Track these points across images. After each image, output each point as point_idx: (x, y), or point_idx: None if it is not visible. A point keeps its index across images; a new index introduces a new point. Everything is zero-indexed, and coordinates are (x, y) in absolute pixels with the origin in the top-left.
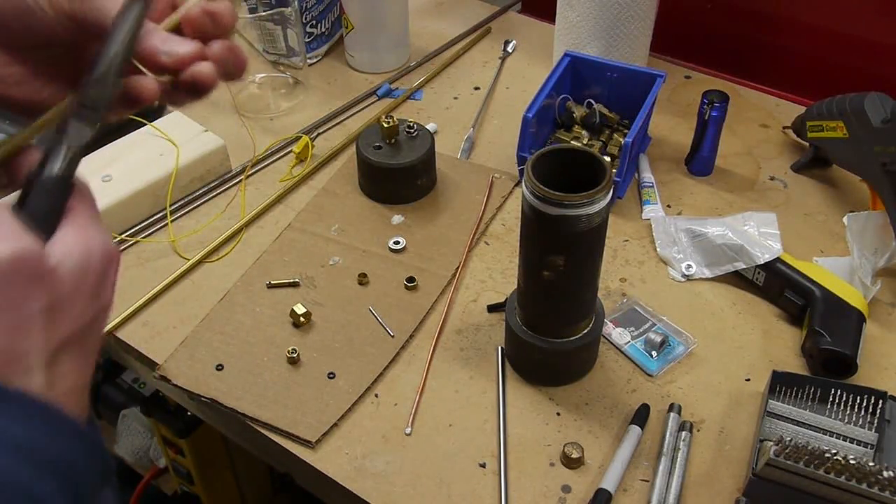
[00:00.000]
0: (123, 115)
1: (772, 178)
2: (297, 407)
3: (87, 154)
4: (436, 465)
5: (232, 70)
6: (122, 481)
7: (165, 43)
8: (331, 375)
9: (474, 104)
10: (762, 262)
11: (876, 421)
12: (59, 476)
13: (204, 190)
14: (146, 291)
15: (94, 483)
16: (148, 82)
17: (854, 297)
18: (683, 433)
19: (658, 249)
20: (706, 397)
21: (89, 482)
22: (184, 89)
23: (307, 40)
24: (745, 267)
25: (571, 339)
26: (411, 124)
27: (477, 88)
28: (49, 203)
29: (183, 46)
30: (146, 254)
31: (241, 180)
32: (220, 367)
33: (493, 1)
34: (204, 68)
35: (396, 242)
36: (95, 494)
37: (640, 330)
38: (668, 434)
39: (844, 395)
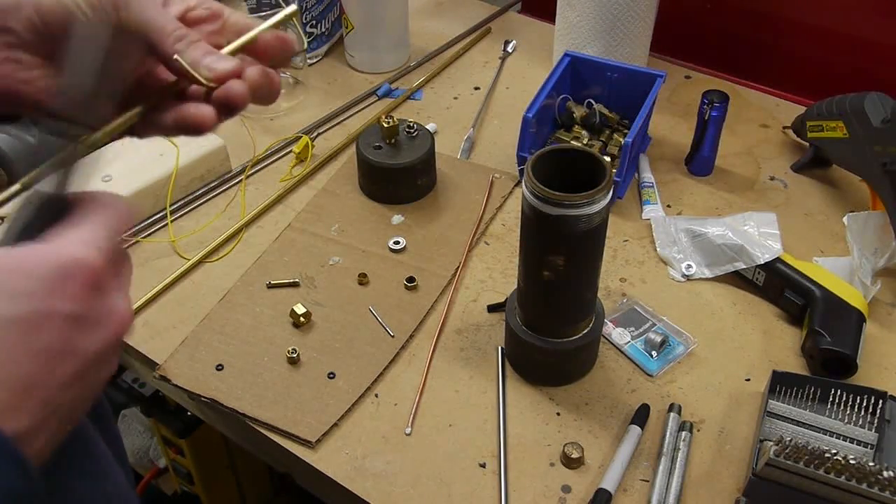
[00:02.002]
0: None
1: (772, 178)
2: (297, 407)
3: (70, 168)
4: (436, 465)
5: (266, 95)
6: None
7: (206, 56)
8: (331, 375)
9: (474, 104)
10: (762, 262)
11: (876, 421)
12: None
13: (204, 190)
14: (146, 291)
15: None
16: (207, 111)
17: (854, 297)
18: (683, 433)
19: (658, 249)
20: (706, 397)
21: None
22: (215, 105)
23: (307, 40)
24: (745, 267)
25: (571, 339)
26: (411, 124)
27: (477, 88)
28: (37, 219)
29: (223, 63)
30: (146, 254)
31: (241, 180)
32: (220, 367)
33: (493, 1)
34: (237, 87)
35: (396, 242)
36: None
37: (640, 330)
38: (668, 434)
39: (844, 395)
